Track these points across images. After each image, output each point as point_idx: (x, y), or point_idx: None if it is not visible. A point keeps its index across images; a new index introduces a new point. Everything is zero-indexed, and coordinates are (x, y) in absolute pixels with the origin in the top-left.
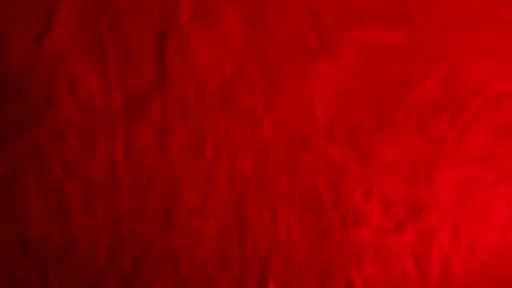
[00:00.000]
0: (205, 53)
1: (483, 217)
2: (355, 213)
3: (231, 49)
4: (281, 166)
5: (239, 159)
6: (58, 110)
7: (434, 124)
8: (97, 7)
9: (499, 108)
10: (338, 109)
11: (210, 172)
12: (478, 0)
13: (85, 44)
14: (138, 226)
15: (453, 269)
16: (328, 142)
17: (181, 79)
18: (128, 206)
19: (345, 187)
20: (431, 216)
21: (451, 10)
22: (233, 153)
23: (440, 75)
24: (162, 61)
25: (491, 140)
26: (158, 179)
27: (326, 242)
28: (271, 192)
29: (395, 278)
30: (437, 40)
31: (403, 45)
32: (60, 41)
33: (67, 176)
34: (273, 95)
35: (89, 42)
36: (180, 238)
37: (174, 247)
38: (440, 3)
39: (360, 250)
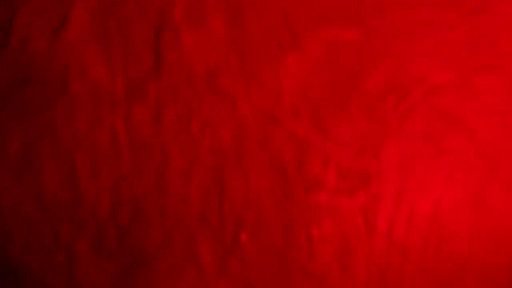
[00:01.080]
0: (193, 47)
1: (422, 186)
2: (315, 179)
3: (215, 44)
4: (254, 139)
5: (219, 133)
6: (70, 92)
7: (382, 108)
8: (105, 9)
9: (437, 96)
10: (303, 94)
11: (195, 143)
12: (423, 7)
13: (94, 39)
14: (134, 187)
15: (396, 228)
16: (293, 120)
17: (173, 67)
18: (127, 171)
19: (307, 157)
20: (378, 183)
21: (400, 14)
22: (214, 128)
23: (388, 67)
24: (158, 53)
25: (429, 122)
26: (151, 149)
27: (291, 202)
28: (245, 161)
29: (348, 234)
30: (387, 38)
31: (359, 42)
32: (74, 36)
33: (77, 146)
34: (249, 82)
35: (98, 37)
36: (168, 197)
37: (163, 205)
38: (391, 8)
39: (319, 210)
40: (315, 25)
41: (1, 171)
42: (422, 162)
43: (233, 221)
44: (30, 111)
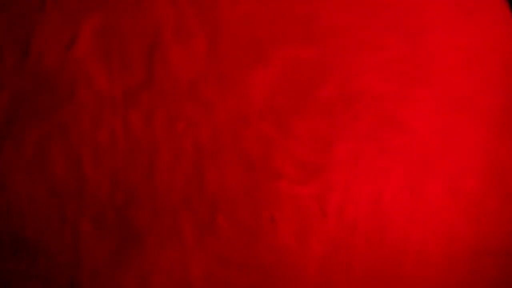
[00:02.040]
0: (179, 61)
1: (366, 178)
2: (277, 170)
3: (197, 58)
4: (228, 137)
5: (199, 132)
6: (77, 98)
7: (333, 112)
8: (107, 29)
9: (380, 103)
10: (268, 100)
11: (179, 141)
12: (369, 30)
13: (97, 54)
14: (129, 176)
15: (345, 212)
16: (260, 122)
17: (162, 78)
18: (123, 163)
19: (270, 153)
20: (329, 175)
21: (349, 36)
22: (195, 128)
23: (338, 80)
24: (150, 66)
25: (373, 124)
26: (143, 145)
27: (257, 190)
28: (220, 155)
29: (304, 215)
30: (337, 56)
31: (314, 59)
32: (81, 52)
33: (82, 143)
34: (224, 90)
35: (100, 53)
36: (157, 184)
37: (153, 191)
38: (341, 31)
39: (280, 196)
40: (278, 45)
41: (18, 163)
42: (367, 157)
43: (210, 204)
44: (43, 113)
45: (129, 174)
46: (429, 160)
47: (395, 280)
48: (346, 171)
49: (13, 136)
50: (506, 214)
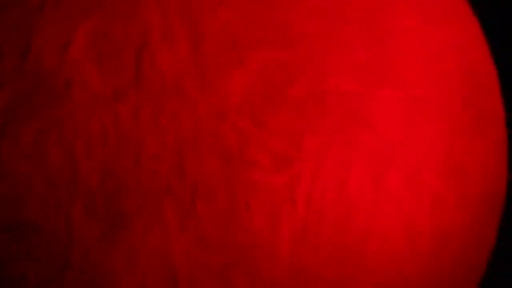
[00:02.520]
0: (165, 62)
1: (332, 169)
2: (251, 160)
3: (181, 60)
4: (208, 131)
5: (182, 126)
6: (72, 95)
7: (304, 109)
8: (99, 34)
9: (346, 101)
10: (245, 97)
11: (164, 134)
12: (337, 37)
13: (91, 55)
14: (118, 165)
15: (313, 201)
16: (238, 116)
17: (149, 78)
18: (113, 153)
19: (246, 145)
20: (299, 166)
21: (318, 41)
22: (178, 122)
23: (309, 80)
24: (138, 67)
25: (340, 120)
26: (131, 137)
27: (234, 179)
28: (201, 147)
29: (276, 202)
30: (309, 58)
31: (287, 61)
32: (76, 54)
33: (76, 137)
34: (205, 88)
35: (93, 55)
36: (143, 173)
37: (139, 179)
38: (311, 36)
39: (255, 184)
40: (255, 48)
41: (17, 155)
42: (334, 151)
43: (191, 191)
44: (41, 110)
45: (118, 163)
46: (391, 154)
47: (359, 265)
48: (315, 163)
49: (13, 130)
50: (463, 206)
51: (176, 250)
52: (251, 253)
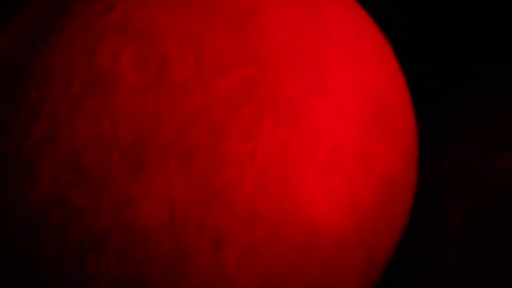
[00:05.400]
0: (177, 69)
1: (277, 144)
2: (228, 134)
3: (188, 69)
4: (202, 114)
5: (186, 110)
6: (119, 86)
7: (268, 112)
8: (139, 50)
9: (297, 110)
10: (227, 95)
11: (174, 114)
12: (298, 55)
13: (132, 62)
14: (143, 132)
15: (264, 162)
16: (221, 107)
17: (167, 79)
18: (140, 125)
19: (225, 125)
20: (257, 140)
21: (282, 59)
22: (184, 108)
23: (271, 90)
24: (161, 71)
25: (291, 122)
26: (154, 116)
27: (217, 146)
28: (196, 124)
29: (241, 163)
30: (274, 74)
31: (256, 75)
32: (123, 60)
33: (119, 113)
34: (202, 88)
35: (134, 62)
36: (158, 137)
37: (155, 141)
38: (276, 54)
39: (229, 149)
40: (234, 64)
41: (83, 120)
42: (281, 131)
43: (188, 151)
44: (99, 93)
45: (143, 130)
46: (320, 140)
47: (294, 210)
48: (267, 138)
49: (81, 105)
50: (374, 201)
51: (176, 189)
52: (224, 193)
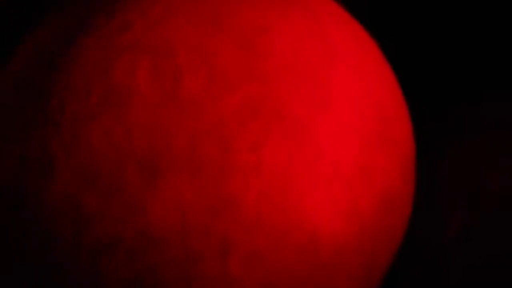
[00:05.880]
0: (190, 83)
1: (281, 158)
2: (236, 146)
3: (199, 83)
4: (212, 127)
5: (197, 121)
6: (136, 98)
7: (270, 121)
8: (154, 65)
9: (301, 121)
10: (236, 109)
11: (185, 124)
12: (299, 74)
13: (149, 76)
14: (156, 140)
15: (269, 172)
16: (230, 119)
17: (180, 92)
18: (155, 133)
19: (233, 137)
20: (263, 151)
21: (284, 78)
22: (195, 118)
23: (272, 104)
24: (175, 85)
25: (287, 129)
26: (167, 125)
27: (226, 156)
28: (205, 136)
29: (248, 172)
30: (275, 89)
31: (262, 92)
32: (140, 75)
33: (135, 122)
34: (213, 101)
35: (151, 76)
36: (171, 147)
37: (167, 151)
38: (277, 75)
39: (238, 159)
40: (238, 82)
41: (99, 130)
42: (285, 145)
43: (199, 162)
44: (116, 104)
45: (157, 139)
46: (323, 153)
47: (296, 214)
48: (272, 151)
49: (99, 115)
50: (373, 210)
51: (186, 197)
52: (231, 201)
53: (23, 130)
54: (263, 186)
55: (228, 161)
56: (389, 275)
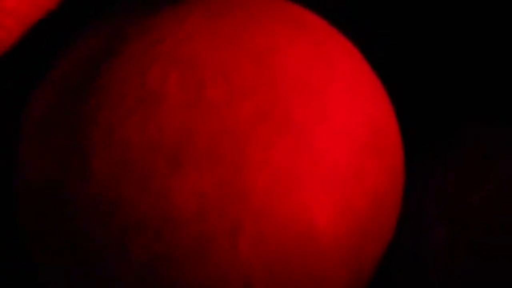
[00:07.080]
0: (212, 92)
1: (287, 160)
2: (254, 143)
3: (219, 93)
4: (232, 128)
5: (218, 124)
6: (165, 102)
7: (280, 125)
8: (182, 75)
9: (298, 128)
10: (252, 114)
11: (208, 126)
12: (295, 84)
13: (178, 84)
14: (179, 136)
15: (278, 167)
16: (246, 122)
17: (203, 99)
18: (181, 131)
19: (249, 137)
20: (271, 151)
21: (297, 87)
22: (216, 122)
23: (279, 111)
24: (199, 93)
25: (295, 135)
26: (191, 125)
27: (244, 153)
28: (224, 137)
29: (263, 166)
30: (282, 100)
31: (270, 100)
32: (170, 82)
33: (164, 122)
34: (230, 107)
35: (179, 84)
36: (194, 142)
37: (190, 146)
38: (282, 88)
39: (254, 155)
40: (252, 91)
41: (131, 125)
42: (293, 148)
43: (218, 158)
44: (147, 106)
45: (180, 136)
46: (320, 158)
47: (291, 208)
48: (280, 152)
49: (136, 115)
50: (364, 208)
51: (205, 185)
52: (243, 192)
53: (66, 124)
54: (269, 180)
55: (241, 158)
56: (375, 281)
